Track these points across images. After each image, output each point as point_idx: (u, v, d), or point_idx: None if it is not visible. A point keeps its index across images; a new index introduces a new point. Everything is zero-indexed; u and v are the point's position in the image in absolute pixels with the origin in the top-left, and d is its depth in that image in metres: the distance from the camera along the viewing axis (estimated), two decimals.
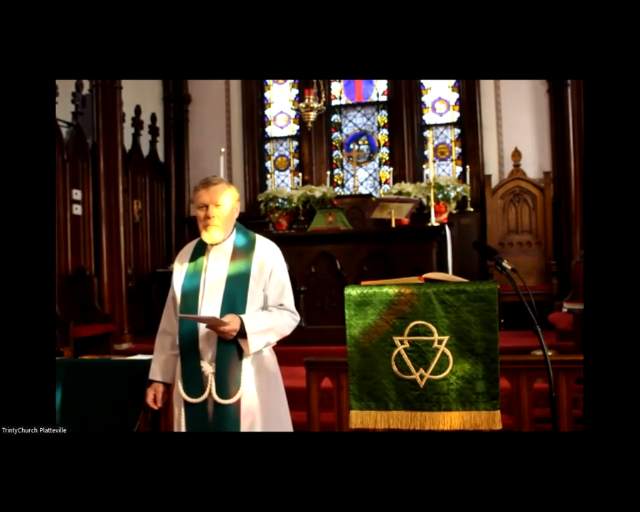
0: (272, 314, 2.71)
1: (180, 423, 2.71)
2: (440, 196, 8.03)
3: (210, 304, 2.68)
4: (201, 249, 2.79)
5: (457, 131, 8.93)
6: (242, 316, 2.62)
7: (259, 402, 2.69)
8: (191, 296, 2.71)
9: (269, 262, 2.74)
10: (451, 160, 8.94)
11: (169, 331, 2.83)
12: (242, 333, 2.61)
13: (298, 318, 2.81)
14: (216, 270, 2.72)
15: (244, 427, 2.64)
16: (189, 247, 2.86)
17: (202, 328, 2.66)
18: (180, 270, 2.81)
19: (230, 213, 2.74)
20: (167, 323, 2.85)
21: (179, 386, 2.71)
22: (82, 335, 6.55)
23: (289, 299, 2.78)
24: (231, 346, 2.63)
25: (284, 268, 2.82)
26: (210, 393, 2.63)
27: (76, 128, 7.37)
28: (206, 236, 2.71)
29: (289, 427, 2.83)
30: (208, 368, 2.65)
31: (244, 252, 2.74)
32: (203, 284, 2.72)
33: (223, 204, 2.69)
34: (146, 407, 3.30)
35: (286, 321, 2.74)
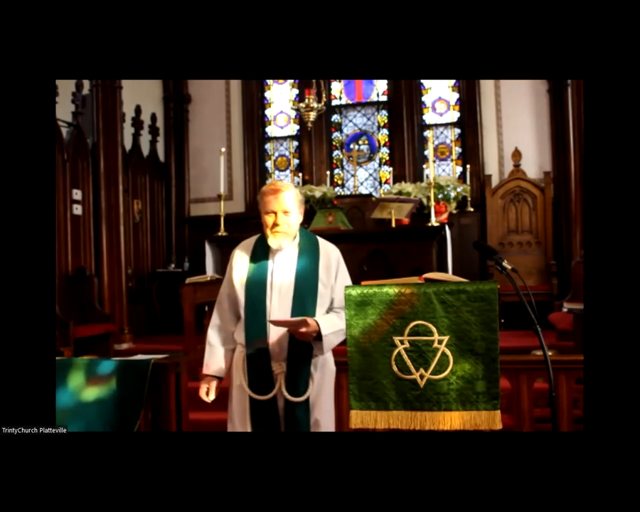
0: (340, 316, 2.78)
1: (246, 420, 2.76)
2: (440, 196, 8.03)
3: (280, 309, 2.72)
4: (263, 250, 2.80)
5: (457, 131, 8.94)
6: (316, 319, 2.68)
7: (324, 398, 2.81)
8: (258, 301, 2.74)
9: (334, 264, 2.81)
10: (451, 160, 8.94)
11: (224, 327, 2.87)
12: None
13: None
14: (283, 274, 2.76)
15: (311, 421, 2.76)
16: (248, 246, 2.87)
17: (272, 329, 2.70)
18: (240, 269, 2.82)
19: (297, 219, 2.78)
20: (221, 320, 2.88)
21: (244, 384, 2.75)
22: (82, 335, 6.55)
23: None
24: (303, 347, 2.70)
25: (346, 269, 2.88)
26: (279, 391, 2.71)
27: (76, 128, 7.38)
28: (273, 242, 2.75)
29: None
30: (278, 367, 2.72)
31: (309, 255, 2.79)
32: (270, 287, 2.75)
33: (291, 211, 2.73)
34: (146, 407, 3.33)
35: None
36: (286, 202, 2.71)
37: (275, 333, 2.70)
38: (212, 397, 2.83)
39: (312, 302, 2.74)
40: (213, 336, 2.89)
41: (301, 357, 2.72)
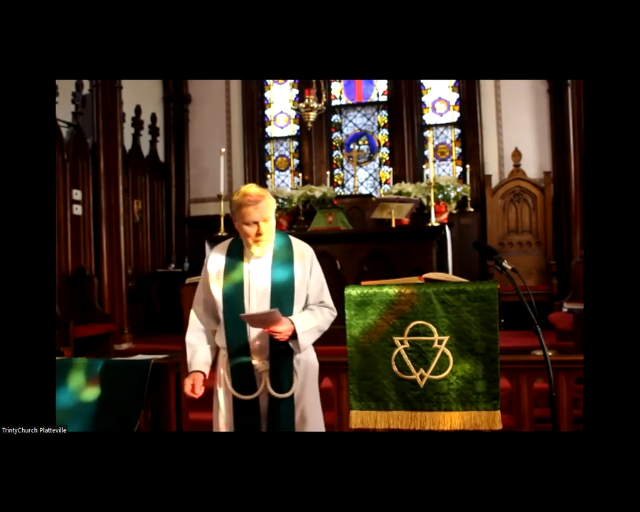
0: (314, 313, 2.78)
1: (230, 419, 2.76)
2: (440, 196, 8.03)
3: (258, 309, 2.72)
4: (238, 253, 2.82)
5: (457, 131, 8.94)
6: (291, 318, 2.69)
7: (308, 394, 2.79)
8: (237, 303, 2.74)
9: (307, 262, 2.82)
10: (451, 160, 8.94)
11: (202, 329, 2.87)
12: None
13: (335, 313, 2.87)
14: (259, 275, 2.77)
15: (297, 417, 2.74)
16: (222, 249, 2.87)
17: (253, 329, 2.70)
18: (216, 273, 2.82)
19: (274, 222, 2.80)
20: (199, 323, 2.88)
21: (228, 384, 2.75)
22: (82, 335, 6.55)
23: (327, 296, 2.85)
24: (283, 345, 2.70)
25: (319, 266, 2.88)
26: (264, 389, 2.70)
27: (76, 128, 7.38)
28: (258, 250, 2.75)
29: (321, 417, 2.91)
30: (261, 366, 2.72)
31: (284, 255, 2.80)
32: (247, 289, 2.76)
33: (271, 217, 2.75)
34: (146, 407, 3.33)
35: (326, 318, 2.82)
36: (266, 210, 2.72)
37: (256, 332, 2.70)
38: (199, 392, 2.76)
39: (289, 301, 2.75)
40: (192, 338, 2.88)
41: (283, 353, 2.72)
